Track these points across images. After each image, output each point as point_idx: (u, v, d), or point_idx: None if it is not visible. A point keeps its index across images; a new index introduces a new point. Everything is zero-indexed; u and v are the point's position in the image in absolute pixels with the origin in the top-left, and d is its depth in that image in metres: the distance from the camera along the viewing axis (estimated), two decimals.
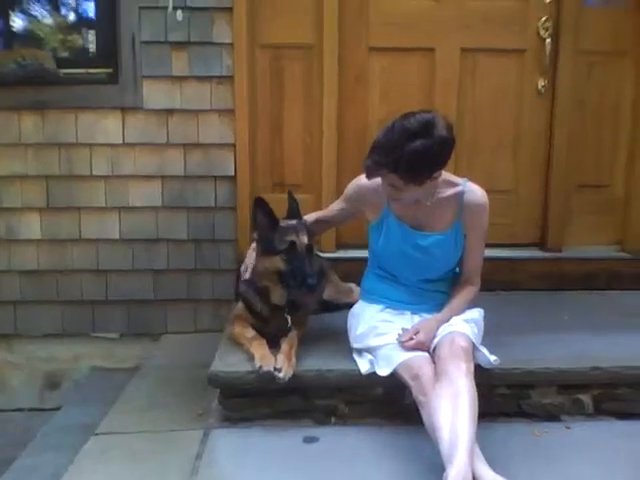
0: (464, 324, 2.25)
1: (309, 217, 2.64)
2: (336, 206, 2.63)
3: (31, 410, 3.35)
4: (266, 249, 2.45)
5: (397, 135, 2.11)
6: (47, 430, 2.80)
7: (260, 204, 2.45)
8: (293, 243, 2.40)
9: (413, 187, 2.18)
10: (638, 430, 2.32)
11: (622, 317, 2.94)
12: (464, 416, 1.86)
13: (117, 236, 3.29)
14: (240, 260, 2.80)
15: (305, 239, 2.42)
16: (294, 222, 2.50)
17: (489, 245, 2.49)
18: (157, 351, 3.22)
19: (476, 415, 1.89)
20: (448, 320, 2.30)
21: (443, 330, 2.25)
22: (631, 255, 3.45)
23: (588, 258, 3.42)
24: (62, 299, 3.35)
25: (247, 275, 2.55)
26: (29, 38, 3.20)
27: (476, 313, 2.37)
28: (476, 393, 1.95)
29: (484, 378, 2.22)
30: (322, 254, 3.21)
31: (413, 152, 2.08)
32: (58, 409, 3.07)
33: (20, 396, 3.40)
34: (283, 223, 2.50)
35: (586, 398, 2.40)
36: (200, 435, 2.29)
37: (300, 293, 2.41)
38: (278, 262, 2.42)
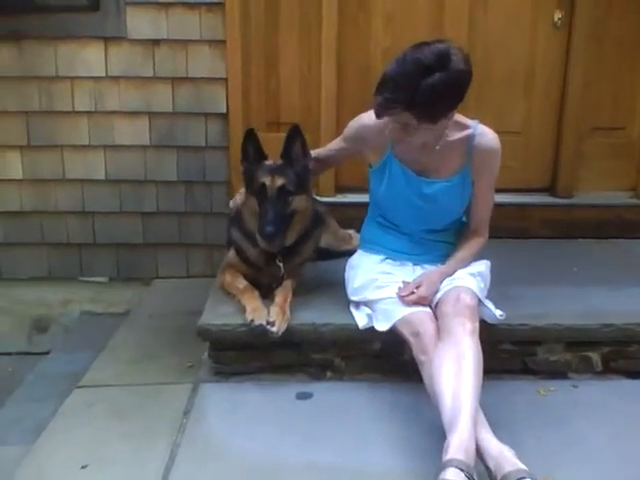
0: (470, 278, 2.11)
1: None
2: (335, 145, 2.44)
3: (19, 354, 3.24)
4: (246, 186, 2.35)
5: (410, 69, 1.90)
6: (33, 378, 2.70)
7: (251, 136, 2.33)
8: (263, 185, 2.25)
9: (427, 126, 1.99)
10: None
11: (635, 269, 2.80)
12: (468, 381, 1.73)
13: (103, 176, 3.12)
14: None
15: (280, 182, 2.24)
16: (278, 162, 2.33)
17: (497, 190, 2.32)
18: (147, 296, 3.10)
19: (481, 379, 1.76)
20: (452, 273, 2.15)
21: (447, 284, 2.10)
22: None
23: (600, 205, 3.26)
24: (48, 241, 3.22)
25: (231, 204, 2.43)
26: None
27: (482, 266, 2.22)
28: (481, 355, 1.82)
29: (488, 334, 2.10)
30: (320, 198, 3.04)
31: (430, 87, 1.88)
32: (47, 353, 2.98)
33: (8, 340, 3.28)
34: (269, 161, 2.34)
35: (595, 356, 2.28)
36: (189, 389, 2.19)
37: (261, 239, 2.27)
38: (254, 202, 2.30)
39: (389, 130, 2.08)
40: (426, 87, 1.88)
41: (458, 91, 1.97)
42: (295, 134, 2.30)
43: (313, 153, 2.46)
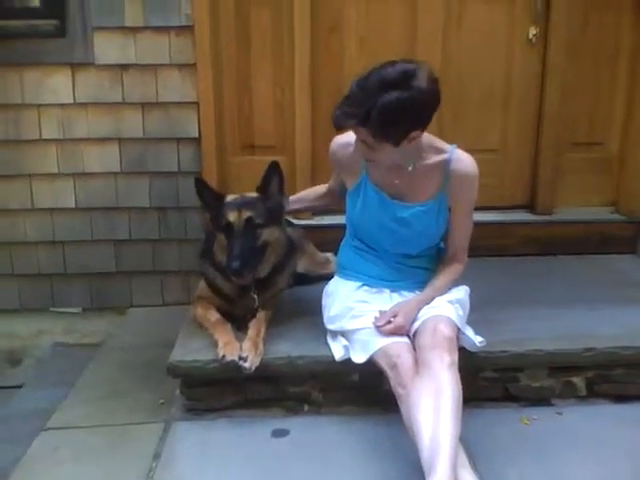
0: (448, 306, 2.05)
1: (315, 190, 2.55)
2: (333, 175, 2.43)
3: None
4: (215, 225, 2.28)
5: (372, 84, 1.86)
6: (3, 416, 2.59)
7: (199, 185, 2.29)
8: (229, 220, 2.20)
9: (387, 146, 1.93)
10: (634, 414, 2.16)
11: (617, 286, 2.76)
12: (446, 419, 1.66)
13: (73, 205, 3.03)
14: (207, 229, 2.55)
15: (246, 215, 2.19)
16: (246, 197, 2.28)
17: (475, 208, 2.25)
18: (121, 327, 3.01)
19: (460, 416, 1.70)
20: (430, 301, 2.09)
21: (425, 313, 2.04)
22: (626, 217, 3.26)
23: (580, 221, 3.23)
24: (18, 273, 3.12)
25: None
26: None
27: (461, 292, 2.16)
28: (460, 389, 1.76)
29: (469, 361, 2.06)
30: (297, 221, 2.98)
31: (386, 105, 1.83)
32: (20, 387, 2.88)
33: None
34: (234, 197, 2.28)
35: (579, 381, 2.23)
36: (160, 429, 2.11)
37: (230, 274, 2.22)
38: (223, 239, 2.24)
39: (355, 146, 2.04)
40: (382, 103, 1.83)
41: (417, 113, 1.91)
42: (273, 171, 2.25)
43: (323, 188, 2.51)
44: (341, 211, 2.40)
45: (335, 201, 2.53)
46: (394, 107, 1.84)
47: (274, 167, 2.26)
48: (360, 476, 1.84)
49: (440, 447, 1.60)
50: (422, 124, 1.96)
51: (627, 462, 1.90)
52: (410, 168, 2.09)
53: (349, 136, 2.08)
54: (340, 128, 1.99)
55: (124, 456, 1.98)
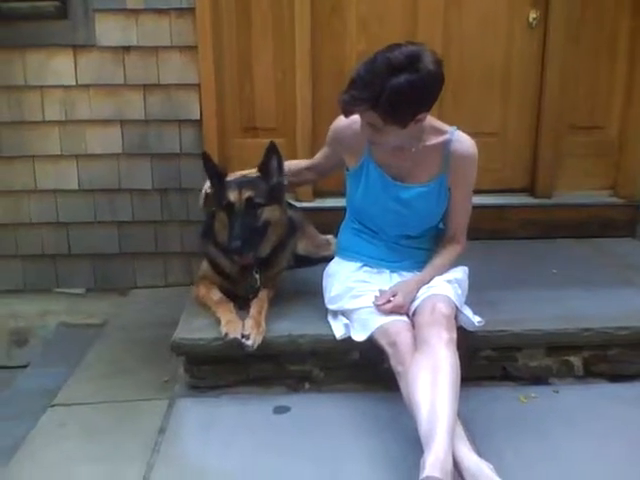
0: (446, 285, 2.08)
1: (295, 164, 2.48)
2: (321, 152, 2.43)
3: None
4: (216, 202, 2.31)
5: (379, 68, 1.88)
6: (9, 395, 2.64)
7: (205, 158, 2.33)
8: (229, 201, 2.23)
9: (395, 129, 1.96)
10: (630, 393, 2.20)
11: (614, 269, 2.80)
12: (444, 393, 1.70)
13: (76, 186, 3.06)
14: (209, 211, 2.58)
15: (247, 194, 2.22)
16: (247, 176, 2.31)
17: (475, 191, 2.29)
18: (124, 307, 3.04)
19: (458, 391, 1.73)
20: (429, 281, 2.13)
21: (424, 292, 2.08)
22: (624, 201, 3.28)
23: (579, 204, 3.26)
24: (22, 253, 3.15)
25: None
26: None
27: (460, 272, 2.19)
28: (458, 366, 1.79)
29: (467, 341, 2.08)
30: (298, 204, 3.01)
31: (396, 88, 1.86)
32: (25, 367, 2.93)
33: None
34: (235, 176, 2.31)
35: (576, 360, 2.26)
36: (165, 405, 2.14)
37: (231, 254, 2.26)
38: (224, 217, 2.26)
39: (361, 129, 2.06)
40: (392, 87, 1.86)
41: (426, 94, 1.93)
42: (271, 151, 2.28)
43: (302, 162, 2.49)
44: (342, 193, 2.42)
45: (318, 178, 2.57)
46: (404, 90, 1.87)
47: (272, 147, 2.28)
48: (361, 451, 1.88)
49: (438, 420, 1.64)
50: (428, 105, 1.99)
51: (622, 439, 1.94)
52: (413, 149, 2.12)
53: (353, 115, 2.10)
54: (349, 112, 2.00)
55: (130, 431, 2.02)
